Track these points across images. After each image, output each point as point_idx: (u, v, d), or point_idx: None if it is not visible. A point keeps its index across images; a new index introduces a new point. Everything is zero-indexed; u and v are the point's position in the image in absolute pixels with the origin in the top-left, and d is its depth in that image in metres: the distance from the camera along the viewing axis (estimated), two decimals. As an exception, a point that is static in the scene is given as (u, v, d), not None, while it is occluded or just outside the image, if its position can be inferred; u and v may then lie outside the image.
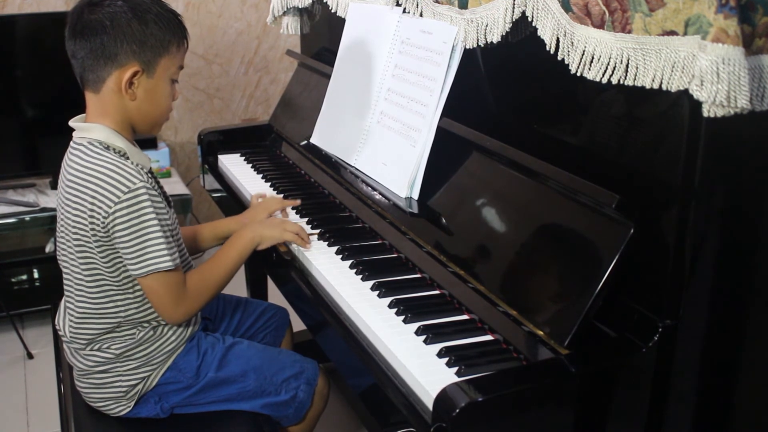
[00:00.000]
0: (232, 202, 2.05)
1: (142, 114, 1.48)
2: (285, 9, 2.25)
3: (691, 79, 0.99)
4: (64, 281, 1.53)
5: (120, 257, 1.43)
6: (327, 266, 1.54)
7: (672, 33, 1.03)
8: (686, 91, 1.00)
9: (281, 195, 1.92)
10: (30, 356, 2.65)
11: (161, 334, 1.52)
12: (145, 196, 1.39)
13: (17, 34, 2.71)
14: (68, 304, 1.52)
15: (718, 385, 1.21)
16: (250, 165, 2.15)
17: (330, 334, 1.42)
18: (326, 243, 1.63)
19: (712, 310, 1.15)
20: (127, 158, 1.44)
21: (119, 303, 1.48)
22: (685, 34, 1.01)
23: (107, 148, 1.44)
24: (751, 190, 1.12)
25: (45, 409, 2.32)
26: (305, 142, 2.05)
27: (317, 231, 1.68)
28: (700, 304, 1.14)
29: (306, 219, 1.76)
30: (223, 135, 2.32)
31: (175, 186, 2.94)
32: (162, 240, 1.40)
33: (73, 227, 1.43)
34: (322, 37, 2.31)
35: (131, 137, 1.50)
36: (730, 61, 0.94)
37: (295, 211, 1.81)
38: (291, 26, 2.28)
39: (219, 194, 2.20)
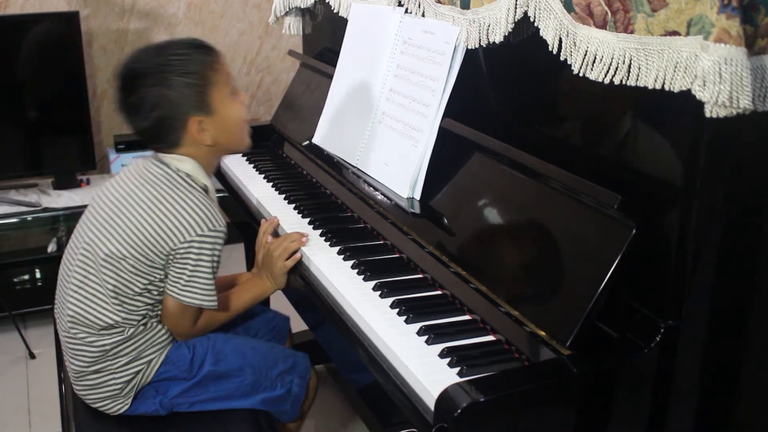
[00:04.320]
0: (235, 202, 2.05)
1: (225, 143, 1.55)
2: (287, 9, 2.25)
3: (693, 80, 0.99)
4: (67, 282, 1.53)
5: (151, 281, 1.48)
6: (329, 266, 1.53)
7: (674, 33, 1.03)
8: (688, 91, 1.00)
9: (282, 196, 1.92)
10: (32, 356, 2.65)
11: (151, 328, 1.53)
12: (221, 242, 1.50)
13: (20, 35, 2.71)
14: (71, 288, 1.52)
15: (719, 385, 1.21)
16: (252, 165, 2.15)
17: (332, 334, 1.43)
18: (328, 243, 1.63)
19: (714, 310, 1.15)
20: (212, 200, 1.52)
21: (126, 304, 1.50)
22: (687, 34, 1.01)
23: (191, 182, 1.50)
24: (753, 190, 1.12)
25: (47, 408, 2.32)
26: (307, 142, 2.05)
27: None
28: (702, 304, 1.14)
29: (308, 219, 1.76)
30: (225, 135, 2.31)
31: (177, 186, 2.94)
32: (212, 281, 1.51)
33: (122, 242, 1.47)
34: (324, 38, 2.31)
35: (213, 170, 1.60)
36: (733, 61, 0.93)
37: (297, 211, 1.81)
38: (293, 26, 2.29)
39: (221, 195, 2.20)
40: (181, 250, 1.46)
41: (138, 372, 1.53)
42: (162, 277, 1.50)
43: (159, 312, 1.54)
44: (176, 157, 1.52)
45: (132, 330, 1.51)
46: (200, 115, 1.48)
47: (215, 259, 1.50)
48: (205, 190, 1.54)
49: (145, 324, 1.52)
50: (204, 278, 1.49)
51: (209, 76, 1.49)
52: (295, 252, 1.62)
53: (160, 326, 1.54)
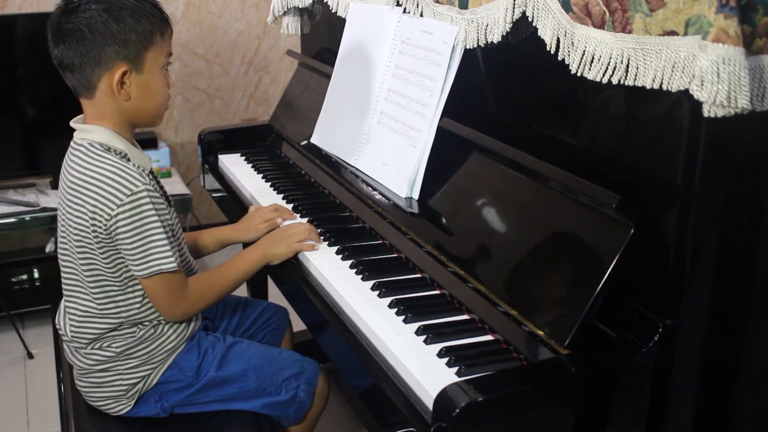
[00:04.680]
0: (233, 202, 2.05)
1: (140, 110, 1.47)
2: (285, 9, 2.25)
3: (691, 79, 0.99)
4: (64, 281, 1.53)
5: (122, 259, 1.44)
6: (327, 266, 1.53)
7: (672, 33, 1.03)
8: (686, 91, 1.00)
9: (281, 195, 1.92)
10: (30, 356, 2.65)
11: (162, 332, 1.52)
12: (147, 199, 1.40)
13: (17, 34, 2.71)
14: (69, 304, 1.53)
15: (718, 385, 1.21)
16: (251, 165, 2.15)
17: (330, 334, 1.42)
18: (326, 243, 1.63)
19: (713, 310, 1.15)
20: (128, 160, 1.44)
21: (121, 303, 1.48)
22: (685, 34, 1.01)
23: (108, 149, 1.44)
24: (751, 190, 1.12)
25: (45, 408, 2.32)
26: (305, 142, 2.05)
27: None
28: (701, 304, 1.14)
29: (306, 219, 1.76)
30: (224, 135, 2.32)
31: (175, 186, 2.94)
32: (165, 241, 1.42)
33: (75, 229, 1.44)
34: (322, 37, 2.31)
35: (132, 137, 1.51)
36: (731, 61, 0.93)
37: (295, 211, 1.81)
38: (291, 26, 2.28)
39: (219, 194, 2.20)
40: (113, 227, 1.39)
41: (144, 376, 1.52)
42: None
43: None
44: (86, 128, 1.46)
45: (143, 331, 1.50)
46: (129, 66, 1.41)
47: (153, 219, 1.40)
48: (125, 157, 1.44)
49: (155, 327, 1.51)
50: (152, 243, 1.41)
51: (155, 38, 1.44)
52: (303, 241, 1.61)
53: (170, 331, 1.53)
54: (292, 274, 1.61)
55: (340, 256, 1.56)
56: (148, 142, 2.95)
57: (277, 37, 3.37)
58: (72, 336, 1.52)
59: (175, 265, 1.44)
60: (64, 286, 1.54)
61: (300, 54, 2.43)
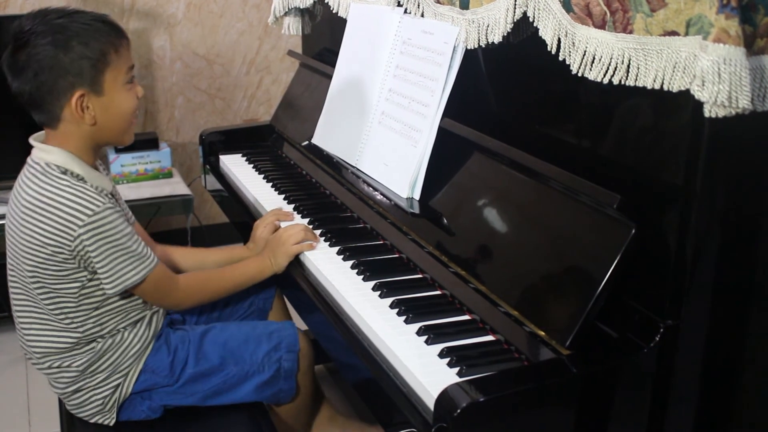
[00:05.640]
0: (234, 202, 2.05)
1: (106, 131, 1.45)
2: (286, 9, 2.25)
3: (692, 80, 0.99)
4: (14, 297, 1.50)
5: (78, 278, 1.42)
6: (328, 267, 1.53)
7: (673, 33, 1.03)
8: (687, 91, 1.00)
9: (282, 195, 1.92)
10: (31, 356, 2.65)
11: (122, 340, 1.50)
12: (109, 217, 1.39)
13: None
14: (21, 321, 1.49)
15: (719, 385, 1.21)
16: (252, 165, 2.15)
17: (331, 334, 1.42)
18: (327, 243, 1.63)
19: (714, 310, 1.15)
20: (86, 182, 1.42)
21: (76, 320, 1.46)
22: (686, 34, 1.01)
23: (65, 172, 1.41)
24: (752, 190, 1.12)
25: (46, 408, 2.32)
26: (306, 142, 2.05)
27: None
28: (702, 304, 1.14)
29: (307, 219, 1.76)
30: (225, 135, 2.32)
31: (176, 186, 2.94)
32: (135, 250, 1.41)
33: (26, 248, 1.41)
34: (323, 38, 2.31)
35: (94, 160, 1.48)
36: (732, 61, 0.93)
37: (296, 211, 1.81)
38: (292, 27, 2.29)
39: (220, 194, 2.20)
40: (79, 247, 1.38)
41: (117, 386, 1.51)
42: (90, 276, 1.43)
43: (128, 321, 1.50)
44: (44, 148, 1.43)
45: (101, 344, 1.48)
46: (87, 91, 1.39)
47: (117, 231, 1.39)
48: (81, 179, 1.42)
49: (114, 336, 1.49)
50: (119, 257, 1.40)
51: (110, 57, 1.40)
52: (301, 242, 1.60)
53: (131, 337, 1.51)
54: (292, 274, 1.61)
55: (342, 256, 1.56)
56: (149, 143, 2.95)
57: (278, 38, 3.37)
58: (29, 348, 1.50)
59: (152, 264, 1.43)
60: (13, 302, 1.50)
61: (301, 54, 2.43)
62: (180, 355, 1.55)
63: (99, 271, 1.40)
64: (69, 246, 1.38)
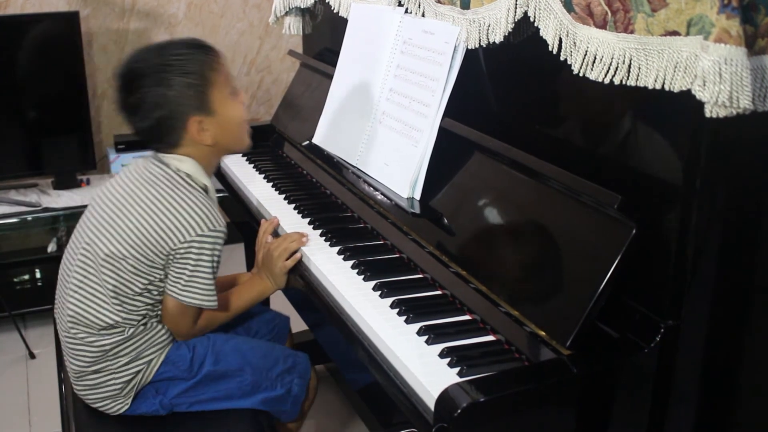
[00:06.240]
0: (235, 202, 2.05)
1: (225, 143, 1.56)
2: (287, 9, 2.25)
3: (693, 80, 0.99)
4: (76, 266, 1.53)
5: (153, 273, 1.48)
6: (329, 267, 1.53)
7: (674, 33, 1.03)
8: (688, 91, 1.00)
9: (282, 196, 1.92)
10: (32, 356, 2.65)
11: (151, 327, 1.53)
12: (221, 242, 1.51)
13: (20, 35, 2.71)
14: (72, 286, 1.52)
15: (720, 385, 1.21)
16: (252, 165, 2.15)
17: (332, 334, 1.43)
18: (328, 243, 1.63)
19: (714, 310, 1.15)
20: (207, 193, 1.53)
21: (126, 307, 1.50)
22: (687, 34, 1.01)
23: (192, 182, 1.51)
24: (752, 190, 1.12)
25: (47, 408, 2.32)
26: (307, 142, 2.05)
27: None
28: (702, 304, 1.14)
29: (308, 219, 1.76)
30: (225, 135, 2.31)
31: (177, 186, 2.94)
32: (212, 282, 1.52)
33: (125, 235, 1.47)
34: (324, 38, 2.31)
35: (215, 169, 1.62)
36: (733, 61, 0.93)
37: (297, 211, 1.81)
38: (293, 26, 2.29)
39: (221, 194, 2.20)
40: (181, 250, 1.47)
41: (138, 372, 1.53)
42: (162, 277, 1.50)
43: (159, 312, 1.54)
44: (176, 157, 1.53)
45: (132, 330, 1.51)
46: (200, 115, 1.49)
47: (215, 259, 1.51)
48: (205, 190, 1.54)
49: (145, 324, 1.52)
50: (204, 278, 1.50)
51: (209, 76, 1.49)
52: (295, 252, 1.62)
53: (160, 326, 1.54)
54: (293, 274, 1.61)
55: (342, 256, 1.56)
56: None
57: (278, 38, 3.37)
58: (69, 310, 1.51)
59: (215, 304, 1.53)
60: (70, 270, 1.53)
61: (302, 54, 2.43)
62: (199, 351, 1.58)
63: (179, 277, 1.48)
64: (174, 246, 1.46)
